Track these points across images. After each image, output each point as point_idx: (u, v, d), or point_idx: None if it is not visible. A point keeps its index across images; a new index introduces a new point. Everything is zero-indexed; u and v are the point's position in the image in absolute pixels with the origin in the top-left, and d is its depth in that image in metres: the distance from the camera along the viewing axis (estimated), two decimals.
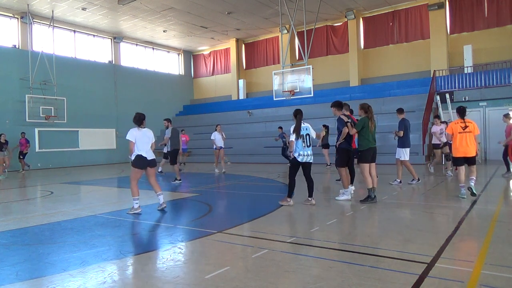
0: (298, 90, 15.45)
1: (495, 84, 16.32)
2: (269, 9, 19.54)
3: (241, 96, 25.76)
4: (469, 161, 7.03)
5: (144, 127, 6.55)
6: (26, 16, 18.66)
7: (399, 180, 9.05)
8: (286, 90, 15.61)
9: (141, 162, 6.41)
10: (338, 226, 5.23)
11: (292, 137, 6.48)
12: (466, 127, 6.94)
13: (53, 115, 19.21)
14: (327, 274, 3.31)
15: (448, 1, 18.96)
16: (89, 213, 6.59)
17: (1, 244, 4.75)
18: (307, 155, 6.50)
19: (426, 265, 3.45)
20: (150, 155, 6.51)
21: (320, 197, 7.62)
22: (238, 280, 3.25)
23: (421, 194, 7.85)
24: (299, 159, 6.47)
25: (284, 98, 15.95)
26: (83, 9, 18.70)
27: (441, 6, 18.59)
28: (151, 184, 6.77)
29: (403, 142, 9.01)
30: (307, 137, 6.52)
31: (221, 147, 13.87)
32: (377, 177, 7.47)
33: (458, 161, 7.11)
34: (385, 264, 3.54)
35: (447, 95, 17.13)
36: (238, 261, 3.84)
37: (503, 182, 9.44)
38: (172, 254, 4.09)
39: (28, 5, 17.96)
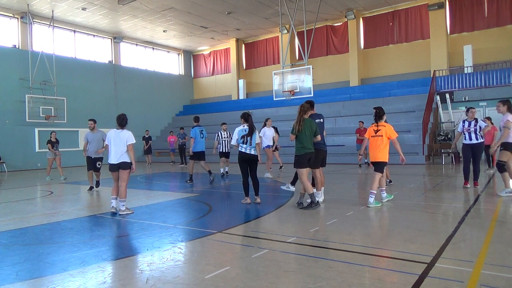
0: (298, 90, 15.47)
1: (495, 84, 16.33)
2: (269, 9, 19.54)
3: (241, 96, 25.77)
4: (376, 166, 6.53)
5: (123, 129, 6.49)
6: (26, 16, 18.67)
7: (388, 180, 8.57)
8: (286, 90, 15.62)
9: (109, 166, 6.45)
10: (338, 226, 5.23)
11: (234, 141, 6.89)
12: (378, 130, 6.57)
13: (53, 115, 19.23)
14: (327, 274, 3.31)
15: (448, 1, 18.97)
16: (89, 213, 6.59)
17: (1, 244, 4.74)
18: (249, 149, 6.79)
19: (426, 265, 3.45)
20: (116, 159, 6.30)
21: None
22: (238, 280, 3.25)
23: (421, 194, 7.85)
24: (242, 150, 6.79)
25: (284, 98, 15.96)
26: (83, 9, 18.70)
27: (441, 6, 18.59)
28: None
29: None
30: (248, 138, 6.76)
31: (269, 146, 11.71)
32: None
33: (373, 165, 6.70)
34: (385, 264, 3.54)
35: (447, 95, 17.15)
36: (238, 261, 3.84)
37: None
38: (172, 254, 4.09)
39: (28, 5, 17.97)
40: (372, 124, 6.76)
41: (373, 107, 6.89)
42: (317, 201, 6.30)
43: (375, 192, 6.39)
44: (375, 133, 6.61)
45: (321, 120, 6.91)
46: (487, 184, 8.95)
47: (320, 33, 22.25)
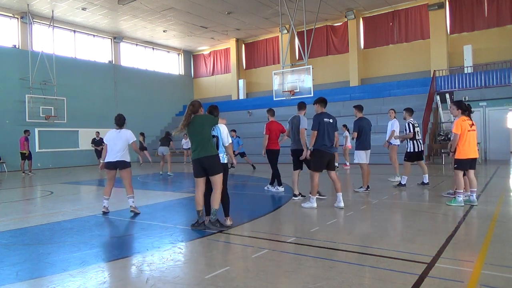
0: (298, 90, 15.47)
1: (495, 84, 16.33)
2: (269, 9, 19.54)
3: (241, 96, 25.77)
4: (472, 164, 6.26)
5: (121, 129, 6.45)
6: (26, 16, 18.67)
7: (364, 188, 8.07)
8: (286, 90, 15.62)
9: (105, 163, 6.42)
10: (338, 226, 5.23)
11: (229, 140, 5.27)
12: (472, 124, 6.22)
13: (53, 115, 19.23)
14: (327, 274, 3.31)
15: (448, 1, 18.96)
16: (89, 213, 6.59)
17: (1, 244, 4.74)
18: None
19: (426, 265, 3.45)
20: (113, 157, 6.30)
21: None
22: (238, 280, 3.25)
23: (421, 194, 7.85)
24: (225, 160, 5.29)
25: (284, 98, 15.96)
26: (83, 9, 18.70)
27: (441, 6, 18.59)
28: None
29: (359, 144, 8.19)
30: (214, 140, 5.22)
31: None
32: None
33: (466, 164, 6.25)
34: (385, 264, 3.54)
35: (447, 95, 17.15)
36: (238, 261, 3.84)
37: (503, 182, 9.44)
38: (172, 254, 4.09)
39: (28, 5, 17.96)
40: (462, 117, 6.22)
41: (462, 102, 6.48)
42: (202, 222, 4.93)
43: (462, 191, 6.25)
44: (470, 127, 6.16)
45: (330, 120, 6.38)
46: (486, 184, 8.95)
47: (320, 33, 22.25)
